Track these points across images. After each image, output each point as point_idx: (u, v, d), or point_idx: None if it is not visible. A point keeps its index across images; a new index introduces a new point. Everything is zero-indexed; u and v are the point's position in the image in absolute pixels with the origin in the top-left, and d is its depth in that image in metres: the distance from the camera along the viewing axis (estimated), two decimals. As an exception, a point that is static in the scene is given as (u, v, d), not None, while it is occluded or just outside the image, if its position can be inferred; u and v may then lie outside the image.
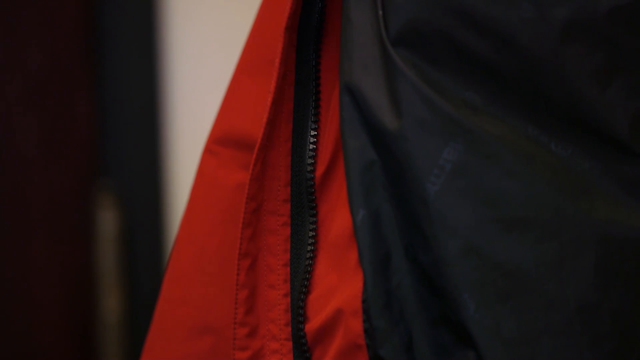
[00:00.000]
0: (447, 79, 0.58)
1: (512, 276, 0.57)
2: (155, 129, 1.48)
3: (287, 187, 0.63)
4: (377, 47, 0.59)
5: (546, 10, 0.57)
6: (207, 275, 0.66)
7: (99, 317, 1.48)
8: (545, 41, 0.57)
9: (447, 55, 0.58)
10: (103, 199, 1.49)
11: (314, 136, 0.63)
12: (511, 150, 0.57)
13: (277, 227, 0.63)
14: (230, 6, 1.47)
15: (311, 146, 0.63)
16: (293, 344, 0.62)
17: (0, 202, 1.46)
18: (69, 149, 1.48)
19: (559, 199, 0.57)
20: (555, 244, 0.57)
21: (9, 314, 1.47)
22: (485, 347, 0.57)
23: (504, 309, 0.57)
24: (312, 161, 0.63)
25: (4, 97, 1.45)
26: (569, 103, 0.58)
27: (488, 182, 0.57)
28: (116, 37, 1.48)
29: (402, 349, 0.58)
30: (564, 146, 0.58)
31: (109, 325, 1.48)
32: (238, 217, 0.63)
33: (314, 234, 0.62)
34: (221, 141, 0.66)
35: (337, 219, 0.61)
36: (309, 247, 0.62)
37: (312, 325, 0.61)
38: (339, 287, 0.60)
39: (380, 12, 0.59)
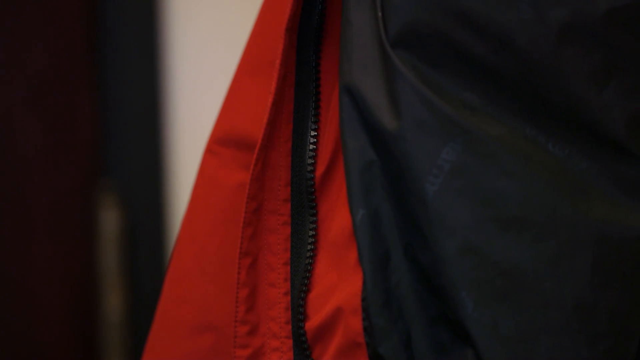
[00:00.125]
0: (446, 80, 0.58)
1: (510, 275, 0.57)
2: (157, 129, 1.48)
3: (287, 186, 0.63)
4: (376, 49, 0.59)
5: (544, 12, 0.57)
6: (208, 274, 0.66)
7: (101, 316, 1.48)
8: (543, 43, 0.57)
9: (446, 56, 0.58)
10: (105, 199, 1.49)
11: (314, 136, 0.63)
12: (509, 150, 0.57)
13: (278, 227, 0.63)
14: (231, 8, 1.47)
15: (311, 146, 0.63)
16: (293, 342, 0.62)
17: (3, 202, 1.46)
18: (72, 150, 1.48)
19: (557, 199, 0.57)
20: (553, 243, 0.57)
21: (12, 314, 1.46)
22: (483, 345, 0.57)
23: (501, 308, 0.57)
24: (312, 161, 0.63)
25: (7, 97, 1.45)
26: (567, 104, 0.58)
27: (486, 182, 0.57)
28: (118, 38, 1.48)
29: (401, 347, 0.58)
30: (562, 146, 0.58)
31: (111, 324, 1.48)
32: (239, 217, 0.63)
33: (314, 233, 0.62)
34: (222, 141, 0.66)
35: (336, 218, 0.61)
36: (309, 246, 0.62)
37: (312, 324, 0.61)
38: (339, 285, 0.60)
39: (380, 14, 0.59)
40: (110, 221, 1.48)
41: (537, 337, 0.57)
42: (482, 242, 0.57)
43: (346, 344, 0.60)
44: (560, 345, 0.57)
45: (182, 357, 0.66)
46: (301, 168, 0.63)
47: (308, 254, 0.62)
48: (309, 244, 0.62)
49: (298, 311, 0.62)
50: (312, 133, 0.63)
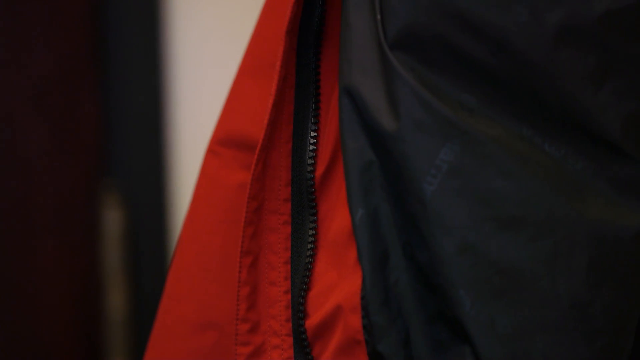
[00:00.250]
0: (444, 81, 0.58)
1: (507, 273, 0.57)
2: (159, 130, 1.48)
3: (287, 186, 0.63)
4: (375, 51, 0.59)
5: (540, 15, 0.57)
6: (209, 273, 0.66)
7: (105, 314, 1.48)
8: (540, 45, 0.57)
9: (444, 58, 0.58)
10: (108, 199, 1.49)
11: (314, 137, 0.63)
12: (506, 151, 0.58)
13: (278, 226, 0.63)
14: (233, 11, 1.47)
15: (311, 147, 0.63)
16: (294, 340, 0.62)
17: (8, 202, 1.45)
18: (75, 150, 1.48)
19: (553, 199, 0.58)
20: (549, 242, 0.57)
21: (17, 312, 1.46)
22: (480, 343, 0.57)
23: (499, 306, 0.57)
24: (312, 161, 0.63)
25: (11, 98, 1.45)
26: (563, 105, 0.58)
27: (483, 182, 0.58)
28: (121, 41, 1.48)
29: (400, 344, 0.59)
30: (558, 147, 0.58)
31: (114, 322, 1.47)
32: (240, 216, 0.64)
33: (314, 232, 0.63)
34: (223, 142, 0.66)
35: (336, 217, 0.62)
36: (309, 245, 0.63)
37: (312, 322, 0.61)
38: (339, 284, 0.61)
39: (379, 17, 0.59)
40: (113, 221, 1.48)
41: (533, 335, 0.57)
42: (479, 241, 0.57)
43: (346, 341, 0.60)
44: (556, 343, 0.57)
45: (184, 354, 0.66)
46: (301, 168, 0.63)
47: (308, 253, 0.63)
48: (309, 243, 0.63)
49: (298, 309, 0.62)
50: (312, 134, 0.63)
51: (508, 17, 0.57)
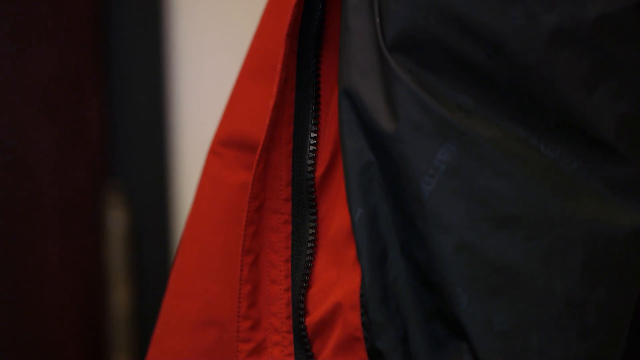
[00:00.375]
0: (442, 83, 0.59)
1: (503, 272, 0.57)
2: (163, 131, 1.48)
3: (288, 186, 0.64)
4: (374, 53, 0.59)
5: (536, 18, 0.58)
6: (211, 271, 0.66)
7: (109, 311, 1.47)
8: (535, 48, 0.58)
9: (442, 60, 0.59)
10: (112, 199, 1.49)
11: (314, 138, 0.63)
12: (502, 151, 0.58)
13: (279, 225, 0.64)
14: (235, 12, 1.47)
15: (311, 148, 0.63)
16: (294, 337, 0.62)
17: (14, 202, 1.45)
18: (79, 150, 1.47)
19: (548, 198, 0.58)
20: (544, 241, 0.58)
21: (23, 310, 1.46)
22: (477, 340, 0.57)
23: (495, 303, 0.57)
24: (312, 162, 0.63)
25: (17, 99, 1.45)
26: (558, 107, 0.58)
27: (480, 182, 0.58)
28: (125, 41, 1.48)
29: (398, 341, 0.59)
30: (553, 148, 0.59)
31: (118, 320, 1.47)
32: (241, 216, 0.64)
33: (314, 231, 0.63)
34: (225, 143, 0.66)
35: (336, 217, 0.62)
36: (309, 244, 0.63)
37: (312, 319, 0.62)
38: (338, 282, 0.61)
39: (378, 20, 0.59)
40: (117, 220, 1.48)
41: (529, 332, 0.57)
42: (476, 240, 0.58)
43: (345, 338, 0.60)
44: (551, 340, 0.58)
45: (187, 351, 0.66)
46: (302, 168, 0.63)
47: (308, 252, 0.63)
48: (309, 241, 0.63)
49: (298, 307, 0.62)
50: (312, 135, 0.63)
51: (504, 21, 0.58)
